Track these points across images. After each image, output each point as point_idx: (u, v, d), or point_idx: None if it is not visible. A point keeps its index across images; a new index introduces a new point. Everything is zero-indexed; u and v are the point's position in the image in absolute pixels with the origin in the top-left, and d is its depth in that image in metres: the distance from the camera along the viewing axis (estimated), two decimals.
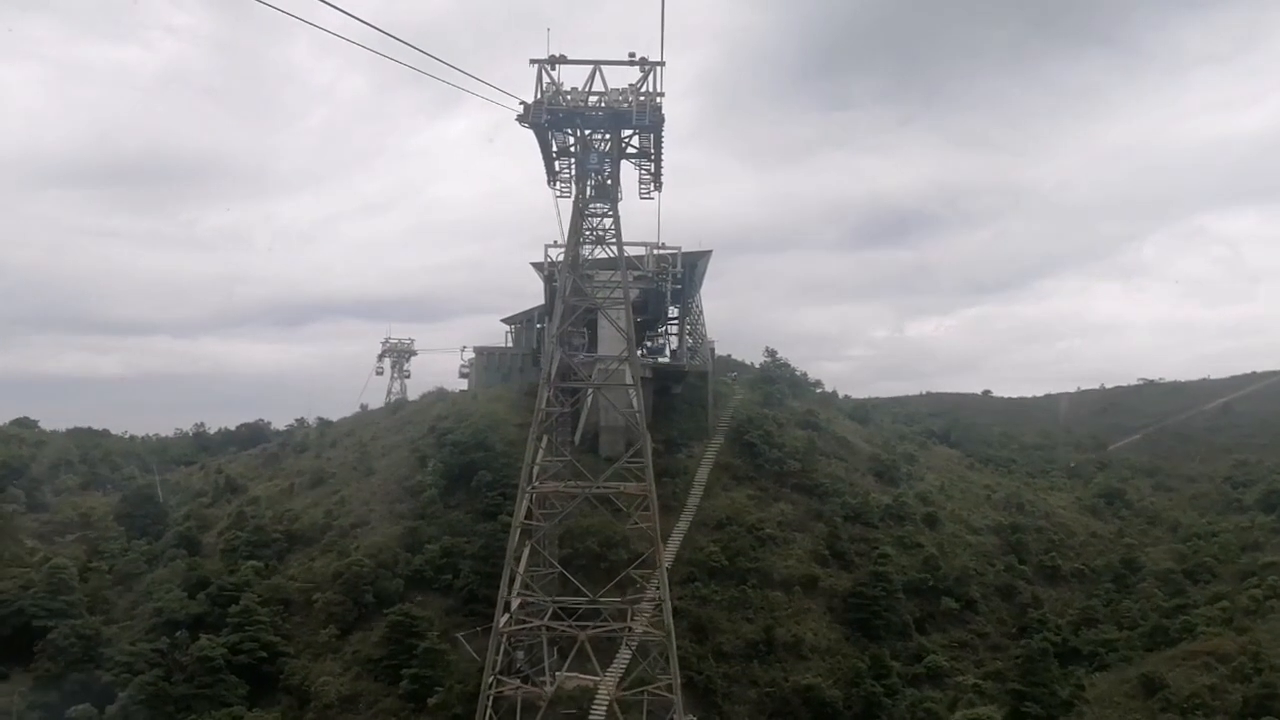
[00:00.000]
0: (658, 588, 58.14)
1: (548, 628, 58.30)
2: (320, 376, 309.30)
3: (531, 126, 54.61)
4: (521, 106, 53.70)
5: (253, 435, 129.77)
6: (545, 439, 63.78)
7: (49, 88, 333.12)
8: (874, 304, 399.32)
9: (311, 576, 73.78)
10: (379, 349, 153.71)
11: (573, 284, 60.39)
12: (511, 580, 58.09)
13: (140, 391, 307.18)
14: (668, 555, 74.91)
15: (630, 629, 59.13)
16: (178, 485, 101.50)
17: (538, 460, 60.09)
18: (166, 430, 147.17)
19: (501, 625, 56.53)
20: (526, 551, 60.02)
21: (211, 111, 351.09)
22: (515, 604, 59.44)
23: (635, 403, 61.17)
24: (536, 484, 58.97)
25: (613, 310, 63.42)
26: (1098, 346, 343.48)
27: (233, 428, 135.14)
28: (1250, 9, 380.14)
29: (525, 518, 57.62)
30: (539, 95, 54.02)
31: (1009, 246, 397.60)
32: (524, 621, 58.89)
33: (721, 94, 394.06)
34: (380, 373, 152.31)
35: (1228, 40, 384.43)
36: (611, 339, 73.47)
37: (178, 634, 65.95)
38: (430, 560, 73.74)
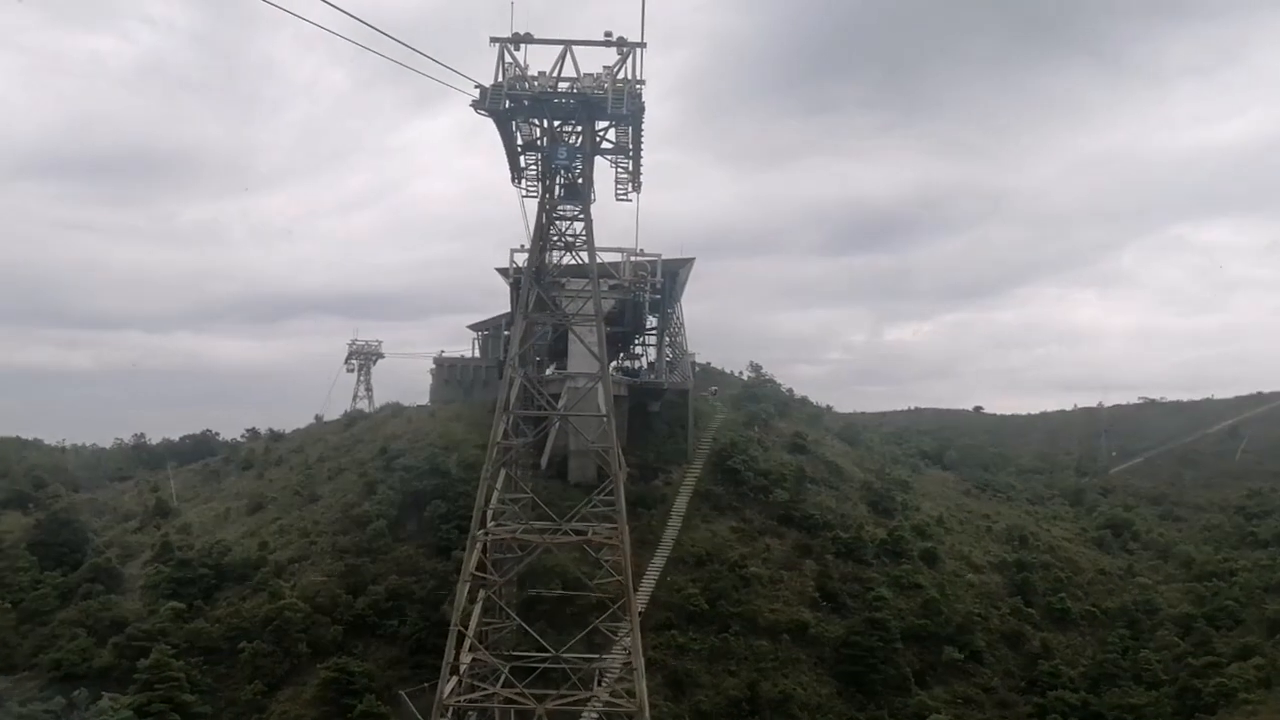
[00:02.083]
0: (627, 636, 50.19)
1: (501, 697, 50.08)
2: (295, 374, 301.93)
3: (490, 114, 46.55)
4: (478, 91, 45.81)
5: (197, 448, 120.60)
6: (503, 473, 55.87)
7: (22, 76, 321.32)
8: (852, 308, 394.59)
9: (239, 620, 65.47)
10: (346, 351, 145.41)
11: (537, 297, 52.46)
12: (459, 642, 50.05)
13: (109, 388, 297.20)
14: (641, 598, 67.23)
15: (596, 698, 51.06)
16: (105, 505, 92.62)
17: (492, 502, 52.00)
18: (120, 432, 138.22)
19: (446, 695, 48.43)
20: (477, 609, 51.88)
21: (189, 105, 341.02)
22: (465, 665, 51.44)
23: (609, 434, 53.07)
24: (490, 528, 50.97)
25: (583, 325, 55.67)
26: (1075, 354, 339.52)
27: (176, 438, 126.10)
28: (1233, 23, 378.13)
29: (476, 569, 49.59)
30: (499, 78, 46.20)
31: (988, 253, 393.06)
32: (475, 686, 50.80)
33: (704, 95, 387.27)
34: (351, 370, 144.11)
35: (1210, 53, 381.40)
36: (583, 354, 65.93)
37: (75, 693, 57.41)
38: (374, 604, 65.64)
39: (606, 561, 52.84)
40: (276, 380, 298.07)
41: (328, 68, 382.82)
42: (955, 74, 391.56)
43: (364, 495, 77.16)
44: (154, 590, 69.19)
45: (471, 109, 45.98)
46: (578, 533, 51.50)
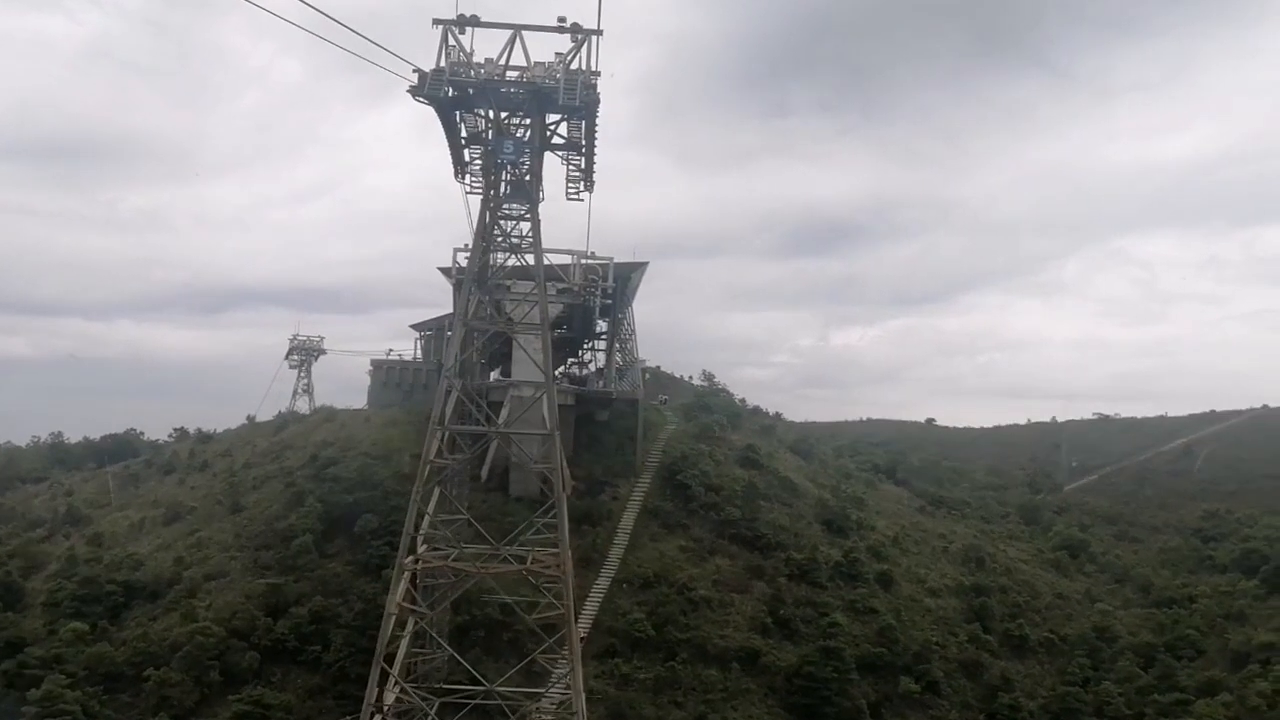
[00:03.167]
0: (567, 674, 46.21)
1: None
2: (238, 366, 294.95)
3: (429, 101, 42.10)
4: (415, 76, 41.35)
5: (119, 448, 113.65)
6: (437, 491, 51.44)
7: None
8: (801, 312, 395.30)
9: (147, 644, 60.20)
10: (287, 346, 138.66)
11: (477, 302, 48.13)
12: (383, 680, 45.62)
13: (47, 376, 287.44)
14: (584, 623, 63.24)
15: None
16: (12, 511, 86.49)
17: (423, 526, 47.57)
18: (55, 425, 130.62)
19: None
20: (405, 642, 47.47)
21: (137, 89, 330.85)
22: (390, 698, 47.02)
23: (554, 451, 48.84)
24: (421, 554, 46.56)
25: (529, 333, 51.49)
26: (1017, 362, 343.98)
27: (97, 437, 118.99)
28: (1181, 40, 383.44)
29: (404, 599, 45.16)
30: (442, 63, 41.77)
31: (935, 260, 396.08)
32: None
33: (661, 96, 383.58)
34: (294, 366, 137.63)
35: (1157, 69, 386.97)
36: (528, 360, 61.55)
37: None
38: (296, 627, 60.86)
39: (547, 590, 48.65)
40: (218, 372, 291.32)
41: (281, 56, 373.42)
42: (911, 80, 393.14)
43: (290, 507, 72.08)
44: (56, 608, 63.81)
45: (410, 95, 41.84)
46: (517, 559, 47.28)
